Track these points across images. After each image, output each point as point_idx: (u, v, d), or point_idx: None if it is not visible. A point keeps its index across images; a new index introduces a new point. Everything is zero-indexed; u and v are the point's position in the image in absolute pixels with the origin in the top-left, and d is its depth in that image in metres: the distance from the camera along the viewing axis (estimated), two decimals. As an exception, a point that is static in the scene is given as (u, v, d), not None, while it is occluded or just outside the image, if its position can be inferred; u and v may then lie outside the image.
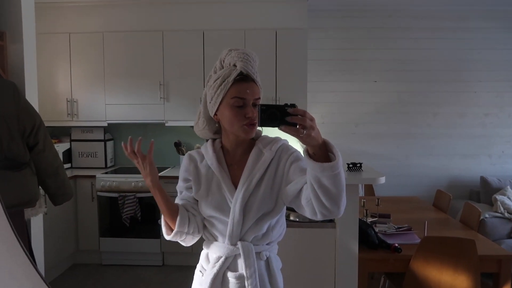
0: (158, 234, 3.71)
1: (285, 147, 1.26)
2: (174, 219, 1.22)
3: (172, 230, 1.23)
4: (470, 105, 4.32)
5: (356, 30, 4.32)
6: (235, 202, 1.20)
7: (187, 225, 1.23)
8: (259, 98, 1.20)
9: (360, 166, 2.25)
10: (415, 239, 2.41)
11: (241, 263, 1.21)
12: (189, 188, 1.30)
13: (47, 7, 3.83)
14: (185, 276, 3.47)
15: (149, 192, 3.93)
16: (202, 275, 1.28)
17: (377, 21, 4.31)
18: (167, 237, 1.25)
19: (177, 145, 4.13)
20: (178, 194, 1.33)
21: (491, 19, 4.26)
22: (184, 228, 1.22)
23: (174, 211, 1.22)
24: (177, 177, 1.37)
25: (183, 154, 4.09)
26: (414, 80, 4.33)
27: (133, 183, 3.69)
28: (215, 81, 1.21)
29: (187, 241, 1.27)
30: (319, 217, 1.10)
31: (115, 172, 3.94)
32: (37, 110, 2.24)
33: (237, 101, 1.17)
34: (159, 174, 3.85)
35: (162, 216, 1.25)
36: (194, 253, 3.64)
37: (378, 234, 2.38)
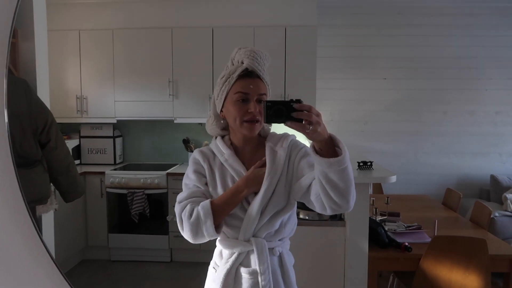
0: (166, 230, 3.73)
1: (295, 143, 1.27)
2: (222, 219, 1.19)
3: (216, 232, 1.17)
4: (480, 103, 4.28)
5: (365, 27, 4.28)
6: (254, 201, 1.19)
7: None
8: (265, 94, 1.19)
9: (371, 165, 2.24)
10: (425, 238, 2.39)
11: (254, 259, 1.21)
12: (205, 185, 1.25)
13: (58, 4, 3.84)
14: (193, 273, 3.49)
15: (158, 188, 3.92)
16: (215, 271, 1.28)
17: (387, 18, 4.27)
18: (216, 234, 1.16)
19: (186, 142, 4.14)
20: (186, 189, 1.26)
21: (502, 16, 4.20)
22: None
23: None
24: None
25: (192, 151, 4.10)
26: (424, 78, 4.29)
27: (141, 180, 3.71)
28: (221, 78, 1.22)
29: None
30: (328, 212, 1.10)
31: (124, 168, 3.96)
32: (49, 107, 2.25)
33: (240, 96, 1.17)
34: (168, 171, 3.87)
35: (211, 222, 1.14)
36: (202, 249, 3.65)
37: (388, 232, 2.37)
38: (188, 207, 1.18)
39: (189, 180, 1.26)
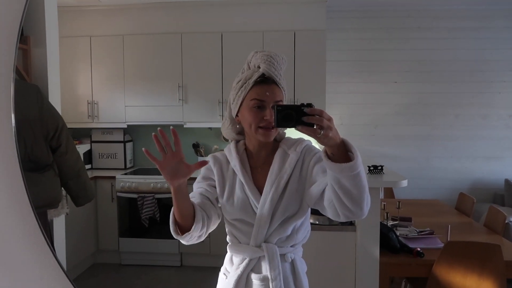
0: (176, 235, 3.73)
1: (309, 148, 1.25)
2: (187, 220, 1.11)
3: (181, 231, 1.12)
4: (493, 106, 4.21)
5: (375, 30, 4.26)
6: (263, 205, 1.18)
7: (199, 229, 1.13)
8: (281, 101, 1.19)
9: (382, 169, 2.21)
10: (437, 243, 2.35)
11: (265, 265, 1.19)
12: (211, 186, 1.25)
13: (69, 10, 3.90)
14: (203, 277, 3.48)
15: (168, 193, 3.92)
16: (226, 278, 1.27)
17: (397, 21, 4.24)
18: (177, 236, 1.13)
19: (196, 146, 4.15)
20: (194, 189, 1.26)
21: (514, 18, 4.15)
22: (196, 232, 1.13)
23: (189, 213, 1.11)
24: (195, 179, 1.34)
25: (202, 156, 4.11)
26: (435, 81, 4.24)
27: (152, 184, 3.72)
28: (237, 83, 1.22)
29: (192, 242, 1.16)
30: (342, 219, 1.07)
31: (134, 173, 3.99)
32: (60, 113, 2.27)
33: (255, 103, 1.16)
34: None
35: (172, 214, 1.12)
36: (212, 254, 3.64)
37: (400, 237, 2.33)
38: None
39: (196, 183, 1.29)
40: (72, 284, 0.72)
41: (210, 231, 1.20)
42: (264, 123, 1.16)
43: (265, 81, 1.18)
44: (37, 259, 0.70)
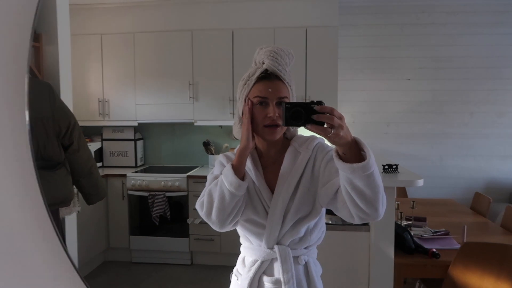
0: (186, 233, 3.72)
1: (321, 146, 1.21)
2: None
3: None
4: (509, 103, 4.12)
5: (388, 26, 4.19)
6: (275, 206, 1.15)
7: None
8: (285, 97, 1.14)
9: (396, 168, 2.17)
10: (453, 244, 2.30)
11: (277, 267, 1.16)
12: None
13: (80, 8, 3.91)
14: (213, 276, 3.47)
15: (178, 191, 3.90)
16: (237, 279, 1.25)
17: (411, 17, 4.17)
18: (232, 198, 1.11)
19: (206, 144, 4.13)
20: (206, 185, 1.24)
21: (532, 13, 4.05)
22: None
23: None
24: (205, 177, 1.32)
25: (212, 154, 4.10)
26: (449, 78, 4.17)
27: (162, 183, 3.72)
28: (242, 80, 1.19)
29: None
30: (356, 221, 1.03)
31: (145, 171, 3.99)
32: (72, 110, 2.27)
33: (258, 100, 1.13)
34: (188, 174, 3.85)
35: (231, 171, 1.11)
36: (222, 252, 3.63)
37: (414, 238, 2.29)
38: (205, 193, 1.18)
39: (211, 176, 1.25)
40: (84, 283, 0.70)
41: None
42: (268, 121, 1.13)
43: (268, 77, 1.14)
44: (50, 257, 0.68)
